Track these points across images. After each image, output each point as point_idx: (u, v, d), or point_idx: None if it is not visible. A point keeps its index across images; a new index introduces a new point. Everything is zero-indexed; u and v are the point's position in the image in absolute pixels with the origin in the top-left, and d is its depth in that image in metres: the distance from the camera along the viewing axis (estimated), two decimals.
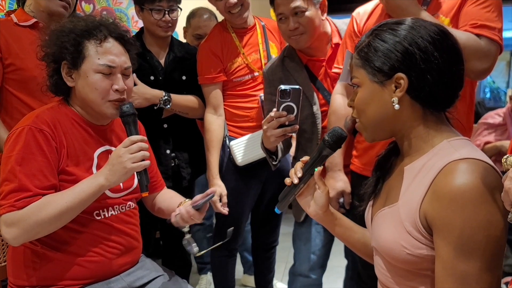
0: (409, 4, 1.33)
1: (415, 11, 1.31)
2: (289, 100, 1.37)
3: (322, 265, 1.80)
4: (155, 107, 1.91)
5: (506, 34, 3.51)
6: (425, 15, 1.30)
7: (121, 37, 1.33)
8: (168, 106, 1.91)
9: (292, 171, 1.08)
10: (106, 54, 1.28)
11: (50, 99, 1.39)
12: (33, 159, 1.20)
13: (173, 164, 2.01)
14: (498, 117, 3.19)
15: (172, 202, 1.48)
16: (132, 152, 1.22)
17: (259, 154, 1.81)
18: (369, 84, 0.96)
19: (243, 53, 1.96)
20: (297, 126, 1.42)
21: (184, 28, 2.70)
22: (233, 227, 1.61)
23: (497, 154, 2.94)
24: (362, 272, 1.69)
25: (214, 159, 1.94)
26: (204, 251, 1.59)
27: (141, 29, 2.02)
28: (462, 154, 0.87)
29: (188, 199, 1.45)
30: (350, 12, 1.63)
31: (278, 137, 1.45)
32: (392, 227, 0.94)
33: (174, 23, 1.94)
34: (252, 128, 1.98)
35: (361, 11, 1.57)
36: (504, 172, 0.75)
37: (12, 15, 1.70)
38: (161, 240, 2.22)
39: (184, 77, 2.02)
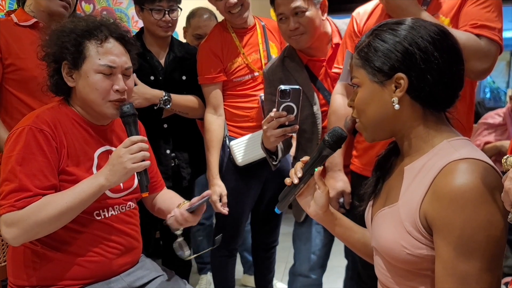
0: (409, 4, 1.33)
1: (415, 11, 1.31)
2: (289, 100, 1.37)
3: (322, 265, 1.80)
4: (155, 107, 1.91)
5: (506, 34, 3.51)
6: (425, 15, 1.30)
7: (122, 38, 1.33)
8: (168, 106, 1.91)
9: (292, 171, 1.08)
10: (107, 54, 1.28)
11: (50, 99, 1.39)
12: (33, 159, 1.20)
13: (173, 164, 2.01)
14: (498, 117, 3.19)
15: (171, 203, 1.48)
16: (132, 153, 1.22)
17: (259, 154, 1.81)
18: (369, 84, 0.96)
19: (243, 53, 1.96)
20: (297, 126, 1.42)
21: (184, 28, 2.70)
22: (221, 234, 1.62)
23: (497, 154, 2.94)
24: (362, 272, 1.69)
25: (214, 159, 1.94)
26: (194, 255, 1.59)
27: (141, 29, 2.02)
28: (462, 154, 0.87)
29: (187, 201, 1.44)
30: (350, 12, 1.63)
31: (278, 137, 1.45)
32: (392, 227, 0.94)
33: (174, 23, 1.94)
34: (252, 128, 1.98)
35: (361, 11, 1.57)
36: (504, 172, 0.75)
37: (12, 15, 1.70)
38: (161, 240, 2.22)
39: (184, 77, 2.02)
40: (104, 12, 2.90)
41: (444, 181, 0.85)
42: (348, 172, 1.64)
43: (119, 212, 1.36)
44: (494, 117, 3.21)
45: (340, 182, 1.59)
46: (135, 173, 1.28)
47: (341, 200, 1.60)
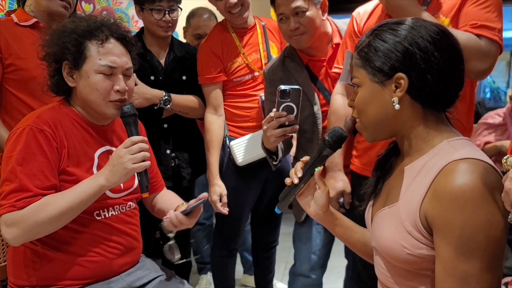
0: (409, 4, 1.33)
1: (415, 11, 1.31)
2: (289, 100, 1.37)
3: (322, 265, 1.80)
4: (155, 107, 1.91)
5: (506, 34, 3.51)
6: (425, 15, 1.30)
7: (123, 38, 1.33)
8: (168, 106, 1.91)
9: (292, 171, 1.08)
10: (108, 54, 1.28)
11: (51, 99, 1.39)
12: (33, 159, 1.20)
13: (173, 164, 2.01)
14: (498, 117, 3.19)
15: (171, 204, 1.47)
16: (132, 153, 1.22)
17: (259, 154, 1.81)
18: (369, 84, 0.96)
19: (243, 53, 1.96)
20: (297, 126, 1.42)
21: (184, 28, 2.70)
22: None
23: (497, 154, 2.94)
24: (362, 272, 1.69)
25: (214, 159, 1.94)
26: (182, 260, 1.58)
27: (141, 29, 2.02)
28: (462, 154, 0.87)
29: (185, 203, 1.44)
30: (350, 12, 1.63)
31: (278, 137, 1.45)
32: (392, 227, 0.94)
33: (174, 23, 1.94)
34: (252, 128, 1.98)
35: (361, 11, 1.57)
36: (504, 172, 0.75)
37: (13, 15, 1.70)
38: (161, 240, 2.22)
39: (184, 77, 2.02)
40: (104, 12, 2.90)
41: (445, 181, 0.85)
42: (348, 172, 1.64)
43: (119, 212, 1.36)
44: (494, 117, 3.21)
45: (340, 182, 1.59)
46: (135, 174, 1.28)
47: (341, 200, 1.60)
